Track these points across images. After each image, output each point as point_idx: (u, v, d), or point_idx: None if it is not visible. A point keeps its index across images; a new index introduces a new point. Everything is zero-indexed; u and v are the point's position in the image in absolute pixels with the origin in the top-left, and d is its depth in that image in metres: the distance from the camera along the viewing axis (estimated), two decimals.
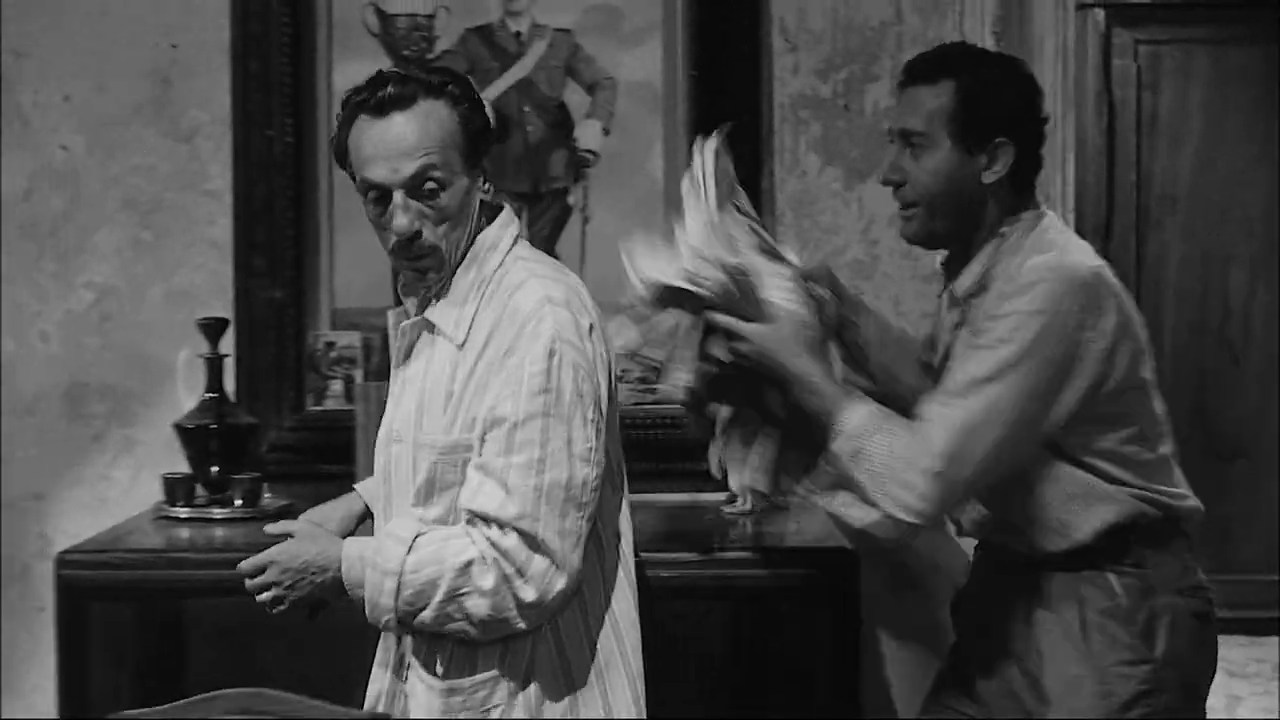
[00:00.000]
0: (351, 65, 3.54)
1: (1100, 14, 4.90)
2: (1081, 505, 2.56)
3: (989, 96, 2.56)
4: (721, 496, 3.34)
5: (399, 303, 2.54)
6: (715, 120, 3.54)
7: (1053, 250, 2.55)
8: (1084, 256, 2.59)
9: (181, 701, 2.33)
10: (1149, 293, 4.94)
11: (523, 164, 3.63)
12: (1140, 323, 2.61)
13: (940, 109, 2.56)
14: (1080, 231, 3.66)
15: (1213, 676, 2.70)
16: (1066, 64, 3.64)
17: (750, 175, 3.39)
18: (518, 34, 3.61)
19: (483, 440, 2.36)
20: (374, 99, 2.36)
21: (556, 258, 3.57)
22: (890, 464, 2.44)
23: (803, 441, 2.65)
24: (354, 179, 2.41)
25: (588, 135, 3.62)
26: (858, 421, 2.48)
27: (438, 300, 2.45)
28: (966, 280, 2.62)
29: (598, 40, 3.60)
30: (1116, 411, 2.56)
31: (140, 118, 3.69)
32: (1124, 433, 2.57)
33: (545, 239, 3.60)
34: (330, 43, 3.61)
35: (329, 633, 2.59)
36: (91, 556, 3.08)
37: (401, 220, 2.35)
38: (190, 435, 3.39)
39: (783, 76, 3.63)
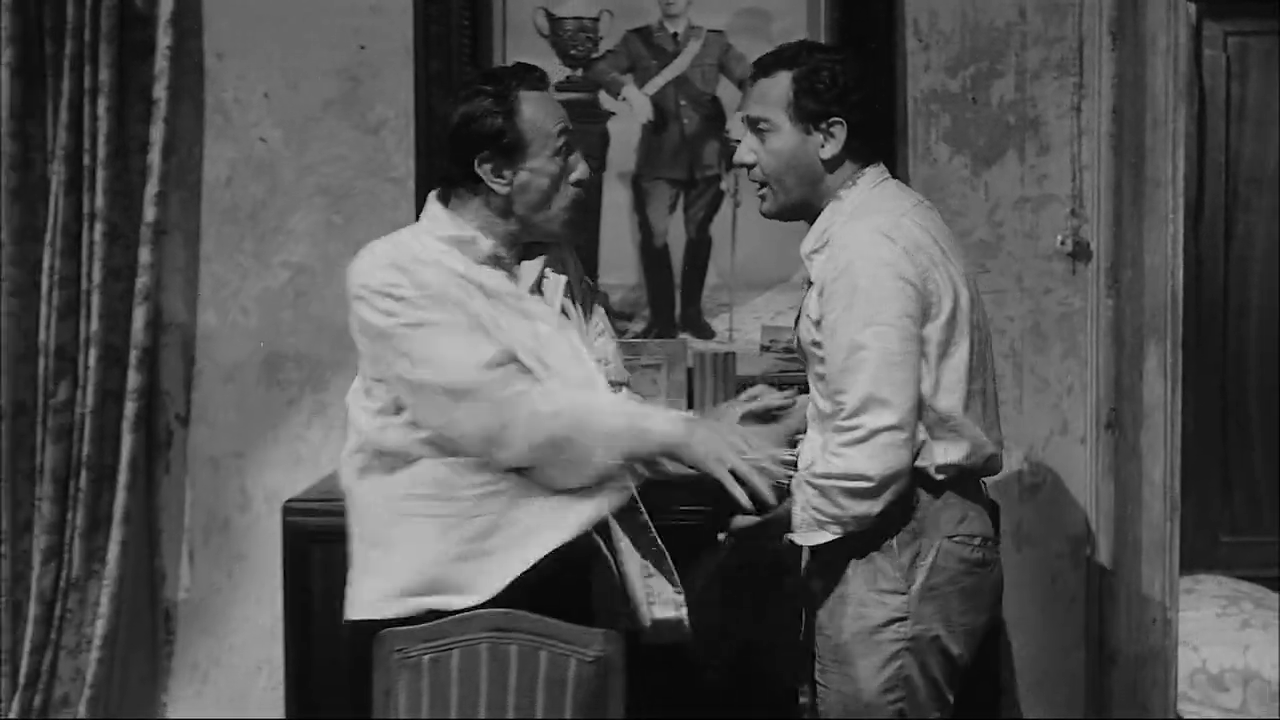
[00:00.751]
0: None
1: (1191, 8, 5.16)
2: None
3: (819, 82, 2.86)
4: None
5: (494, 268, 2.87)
6: None
7: (860, 213, 2.83)
8: (885, 216, 2.82)
9: (443, 620, 2.69)
10: (1236, 270, 5.21)
11: (679, 153, 3.92)
12: (944, 279, 2.81)
13: (778, 97, 2.88)
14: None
15: (987, 619, 2.92)
16: (1177, 60, 3.83)
17: (886, 163, 3.68)
18: (675, 35, 3.91)
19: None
20: (543, 82, 2.87)
21: (710, 239, 3.92)
22: None
23: None
24: (518, 145, 2.78)
25: (739, 127, 3.90)
26: None
27: (541, 250, 2.89)
28: (809, 241, 2.92)
29: (748, 40, 3.87)
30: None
31: (331, 113, 3.97)
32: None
33: (699, 222, 3.91)
34: (505, 44, 3.89)
35: None
36: (312, 505, 3.42)
37: (586, 164, 2.88)
38: None
39: (915, 73, 3.89)
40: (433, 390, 2.72)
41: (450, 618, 2.68)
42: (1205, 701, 4.38)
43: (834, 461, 2.73)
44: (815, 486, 2.75)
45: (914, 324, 2.74)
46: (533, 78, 2.84)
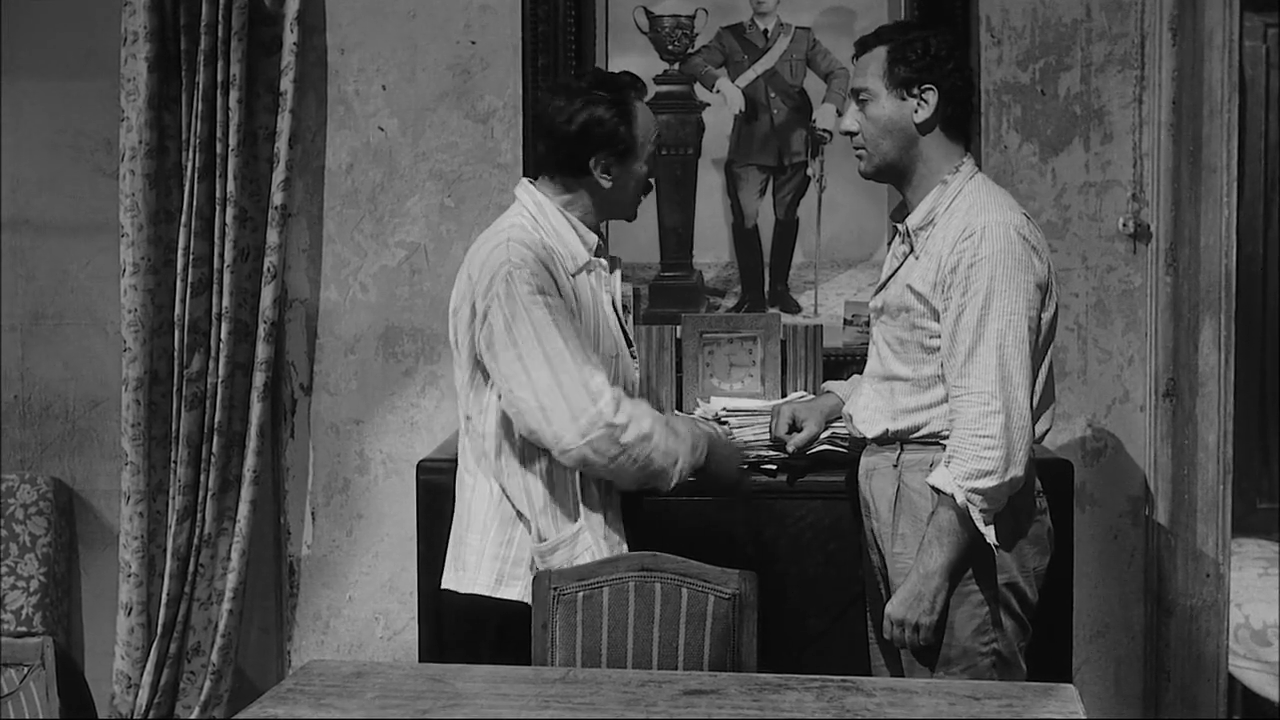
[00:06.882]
0: (625, 59, 4.10)
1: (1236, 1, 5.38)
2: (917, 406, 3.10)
3: (911, 53, 3.09)
4: None
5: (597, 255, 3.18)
6: None
7: (989, 207, 3.03)
8: (1014, 213, 3.05)
9: (593, 561, 2.97)
10: (1275, 249, 5.47)
11: (769, 141, 4.16)
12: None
13: (876, 68, 3.12)
14: None
15: (1048, 561, 3.13)
16: (1231, 55, 4.03)
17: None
18: (765, 31, 4.15)
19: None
20: (645, 92, 3.15)
21: (797, 221, 4.18)
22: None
23: None
24: (630, 149, 3.05)
25: (824, 117, 4.14)
26: None
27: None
28: (916, 217, 3.13)
29: (833, 36, 4.12)
30: None
31: (444, 103, 4.19)
32: None
33: (787, 205, 4.17)
34: (607, 40, 4.13)
35: None
36: (442, 464, 3.66)
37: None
38: None
39: (989, 66, 4.09)
40: None
41: (601, 559, 2.97)
42: (1249, 655, 4.61)
43: (982, 457, 2.93)
44: (980, 491, 2.94)
45: (1036, 316, 3.00)
46: (640, 87, 3.13)
